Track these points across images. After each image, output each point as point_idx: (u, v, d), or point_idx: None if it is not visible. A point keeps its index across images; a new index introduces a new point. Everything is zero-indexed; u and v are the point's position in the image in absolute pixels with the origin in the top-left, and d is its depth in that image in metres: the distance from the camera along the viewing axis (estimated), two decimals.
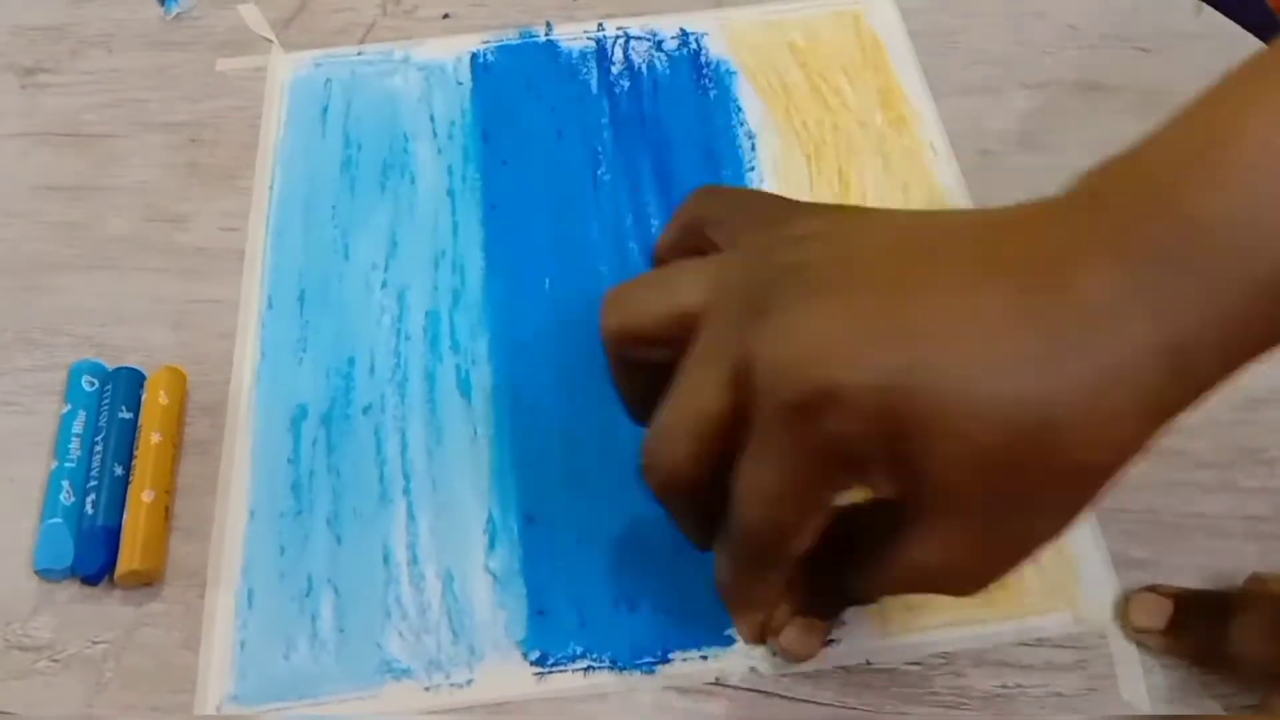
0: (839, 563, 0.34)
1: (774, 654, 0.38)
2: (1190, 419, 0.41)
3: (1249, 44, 0.53)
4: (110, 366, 0.44)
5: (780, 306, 0.29)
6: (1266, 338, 0.27)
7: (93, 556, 0.39)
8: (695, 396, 0.31)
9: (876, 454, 0.28)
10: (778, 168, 0.50)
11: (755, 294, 0.31)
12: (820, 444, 0.28)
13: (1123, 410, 0.26)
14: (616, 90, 0.52)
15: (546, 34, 0.55)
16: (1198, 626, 0.37)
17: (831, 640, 0.38)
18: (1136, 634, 0.38)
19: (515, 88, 0.53)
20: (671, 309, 0.33)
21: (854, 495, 0.31)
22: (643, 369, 0.35)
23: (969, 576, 0.31)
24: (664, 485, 0.33)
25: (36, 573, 0.40)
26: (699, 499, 0.33)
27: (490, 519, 0.41)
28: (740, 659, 0.38)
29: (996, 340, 0.27)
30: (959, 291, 0.28)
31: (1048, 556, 0.38)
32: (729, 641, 0.38)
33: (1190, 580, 0.39)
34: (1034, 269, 0.27)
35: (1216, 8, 0.54)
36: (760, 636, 0.37)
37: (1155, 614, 0.37)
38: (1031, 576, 0.39)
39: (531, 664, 0.38)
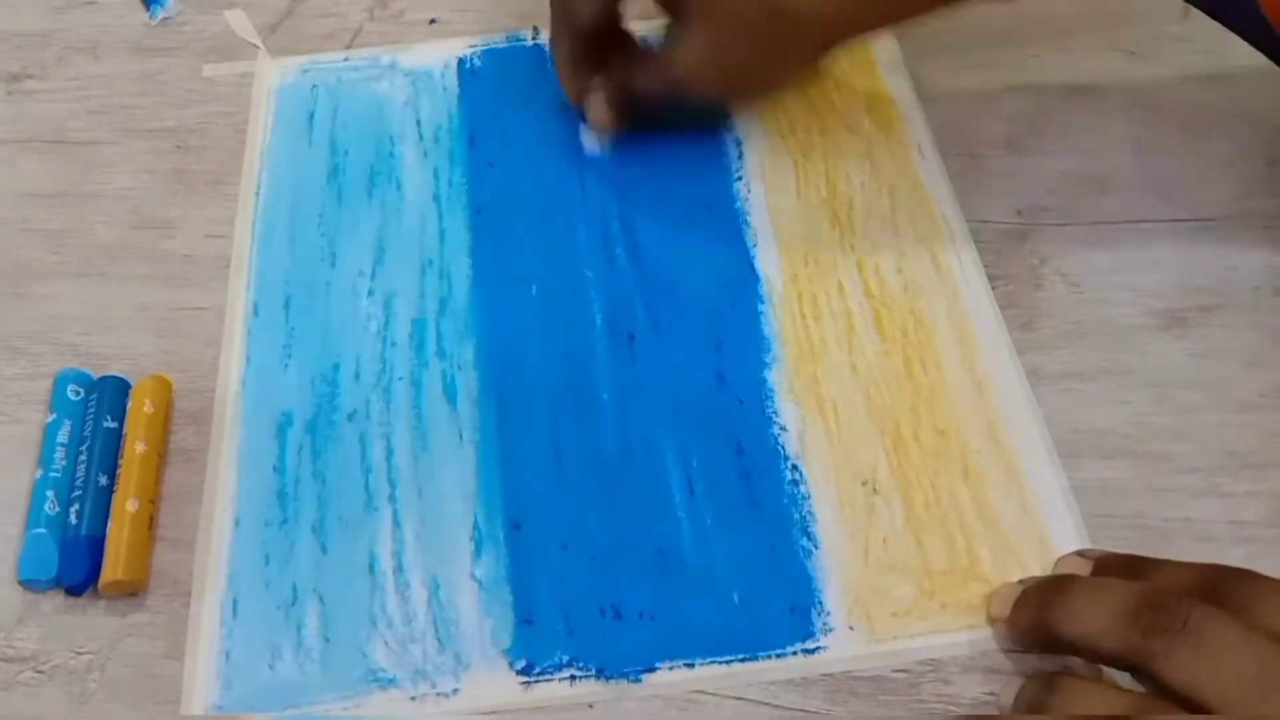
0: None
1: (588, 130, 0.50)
2: (1176, 424, 0.42)
3: (1235, 46, 0.53)
4: (95, 375, 0.44)
5: None
6: None
7: (77, 567, 0.39)
8: None
9: None
10: (765, 172, 0.49)
11: None
12: None
13: None
14: None
15: (533, 39, 0.54)
16: (1029, 607, 0.36)
17: (819, 647, 0.38)
18: (990, 624, 0.38)
19: (502, 92, 0.52)
20: None
21: None
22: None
23: (703, 77, 0.46)
24: None
25: (20, 583, 0.40)
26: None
27: (476, 526, 0.41)
28: (726, 668, 0.38)
29: None
30: None
31: (1036, 562, 0.39)
32: (716, 651, 0.38)
33: None
34: None
35: (1205, 12, 0.54)
36: (579, 98, 0.49)
37: (1004, 602, 0.37)
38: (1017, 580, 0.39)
39: (518, 673, 0.38)
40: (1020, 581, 0.38)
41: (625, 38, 0.49)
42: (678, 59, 0.45)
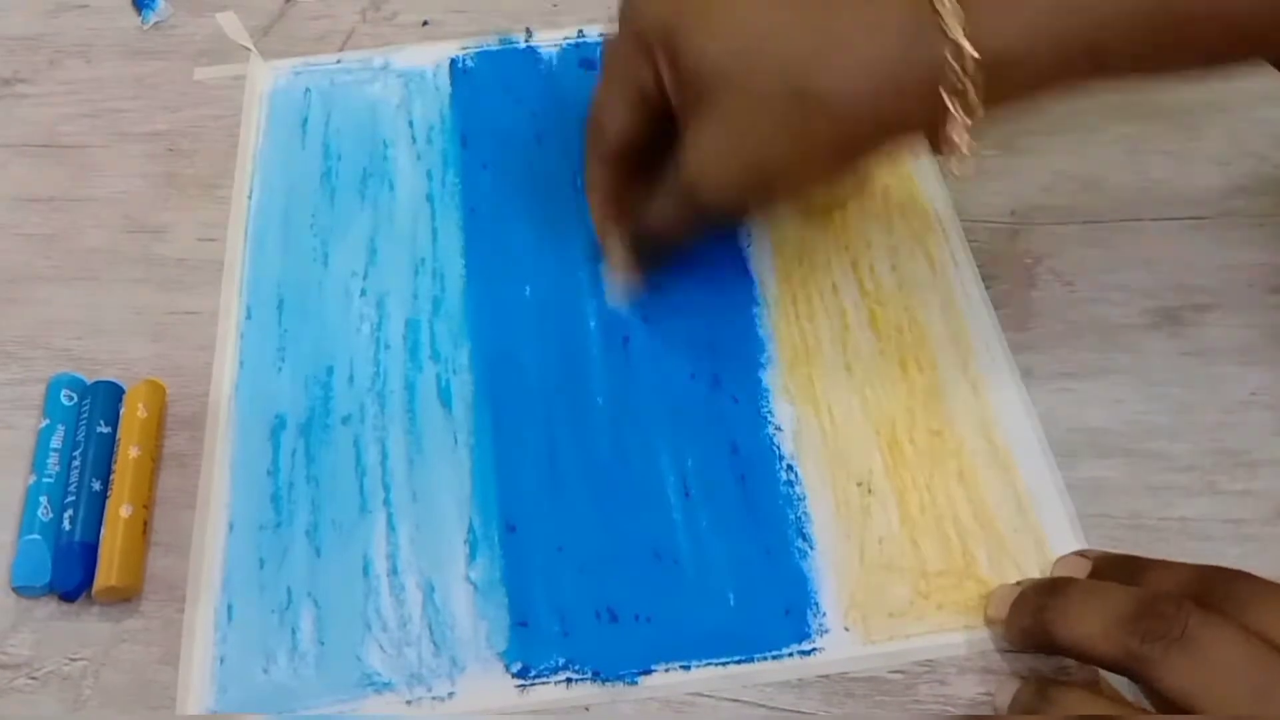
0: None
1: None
2: (1171, 422, 0.42)
3: None
4: (89, 380, 0.44)
5: None
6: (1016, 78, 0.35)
7: (70, 573, 0.39)
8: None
9: (655, 49, 0.38)
10: None
11: None
12: (623, 40, 0.40)
13: (858, 73, 0.35)
14: None
15: (526, 40, 0.54)
16: (1026, 610, 0.36)
17: (815, 649, 0.38)
18: (989, 625, 0.38)
19: (495, 93, 0.52)
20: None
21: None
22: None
23: (716, 178, 0.39)
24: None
25: (14, 589, 0.40)
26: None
27: (471, 529, 0.41)
28: (722, 669, 0.38)
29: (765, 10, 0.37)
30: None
31: (1032, 562, 0.39)
32: (712, 653, 0.38)
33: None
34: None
35: None
36: (611, 235, 0.45)
37: (1001, 603, 0.37)
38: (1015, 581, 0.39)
39: (513, 676, 0.38)
40: (1018, 583, 0.38)
41: (665, 165, 0.41)
42: (686, 160, 0.39)
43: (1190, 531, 0.40)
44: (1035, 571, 0.39)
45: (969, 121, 0.35)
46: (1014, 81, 0.35)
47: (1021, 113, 0.37)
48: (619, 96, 0.41)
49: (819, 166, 0.39)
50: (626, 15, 0.41)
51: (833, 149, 0.37)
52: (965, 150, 0.36)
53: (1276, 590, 0.33)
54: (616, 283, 0.45)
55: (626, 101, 0.41)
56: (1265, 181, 0.48)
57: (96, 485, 0.41)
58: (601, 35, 0.44)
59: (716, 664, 0.38)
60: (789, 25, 0.36)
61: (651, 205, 0.42)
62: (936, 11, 0.34)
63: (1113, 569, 0.37)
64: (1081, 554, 0.38)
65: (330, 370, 0.44)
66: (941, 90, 0.35)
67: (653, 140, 0.41)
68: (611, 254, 0.45)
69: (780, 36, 0.36)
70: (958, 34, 0.34)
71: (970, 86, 0.34)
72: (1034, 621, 0.35)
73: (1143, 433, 0.42)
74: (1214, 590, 0.33)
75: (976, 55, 0.34)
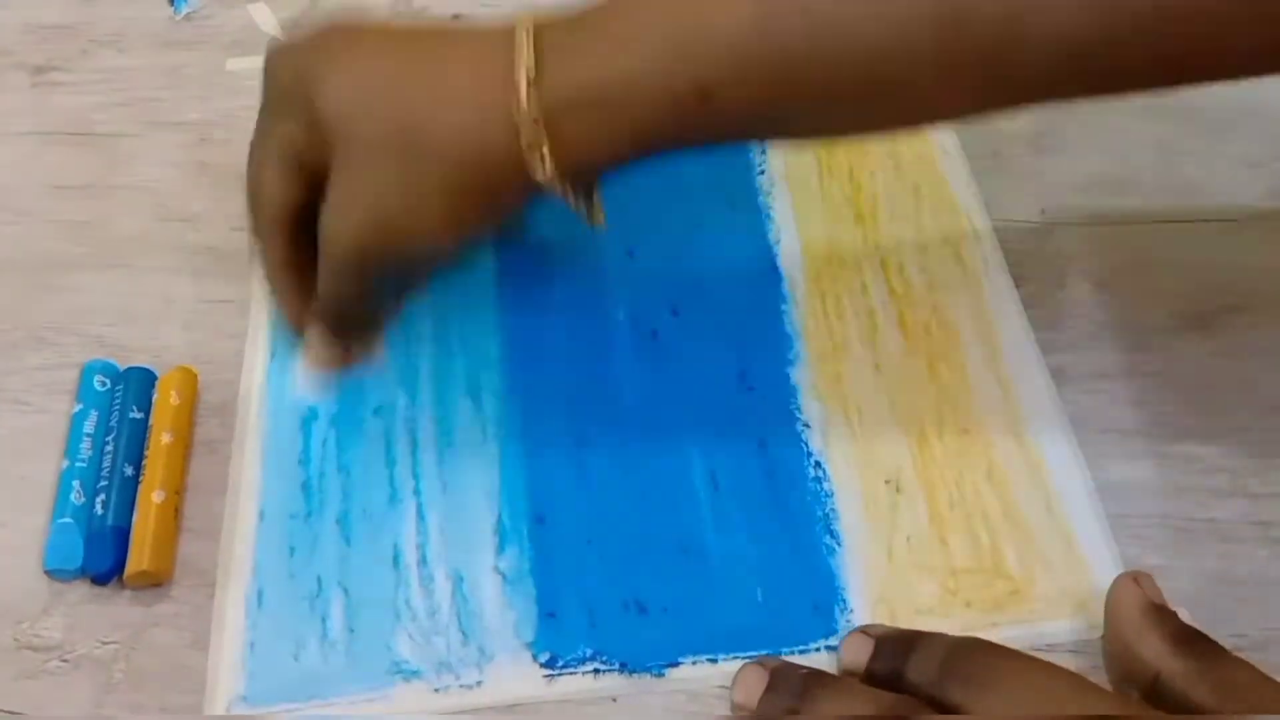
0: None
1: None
2: (1201, 425, 0.41)
3: None
4: (121, 366, 0.44)
5: None
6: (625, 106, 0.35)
7: (102, 557, 0.39)
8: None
9: (294, 103, 0.38)
10: (788, 169, 0.49)
11: None
12: (266, 98, 0.40)
13: (463, 109, 0.36)
14: None
15: None
16: (778, 708, 0.36)
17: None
18: (734, 711, 0.37)
19: None
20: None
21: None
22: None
23: (342, 218, 0.38)
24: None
25: (46, 572, 0.40)
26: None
27: (500, 520, 0.41)
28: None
29: (383, 55, 0.37)
30: (386, 41, 0.38)
31: (1060, 561, 0.39)
32: (739, 647, 0.38)
33: (1200, 585, 0.38)
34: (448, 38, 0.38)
35: None
36: (297, 318, 0.42)
37: (750, 689, 0.36)
38: (1042, 582, 0.39)
39: (541, 665, 0.38)
40: (761, 663, 0.37)
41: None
42: (321, 218, 0.38)
43: (1220, 533, 0.40)
44: (1064, 571, 0.39)
45: (551, 175, 0.36)
46: (606, 127, 0.35)
47: (646, 163, 0.37)
48: (273, 161, 0.40)
49: (436, 216, 0.37)
50: (267, 75, 0.40)
51: (444, 198, 0.37)
52: (572, 203, 0.37)
53: (1020, 664, 0.34)
54: (309, 367, 0.43)
55: (281, 165, 0.39)
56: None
57: (129, 470, 0.41)
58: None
59: (744, 658, 0.38)
60: (403, 77, 0.37)
61: (318, 277, 0.40)
62: (513, 64, 0.35)
63: (890, 646, 0.36)
64: (866, 631, 0.37)
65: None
66: (522, 144, 0.35)
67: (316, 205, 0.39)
68: (309, 349, 0.43)
69: (395, 88, 0.36)
70: (520, 92, 0.35)
71: (544, 139, 0.35)
72: (892, 675, 0.35)
73: (1173, 434, 0.42)
74: (959, 664, 0.34)
75: (526, 108, 0.35)
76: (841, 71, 0.34)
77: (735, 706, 0.37)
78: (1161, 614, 0.36)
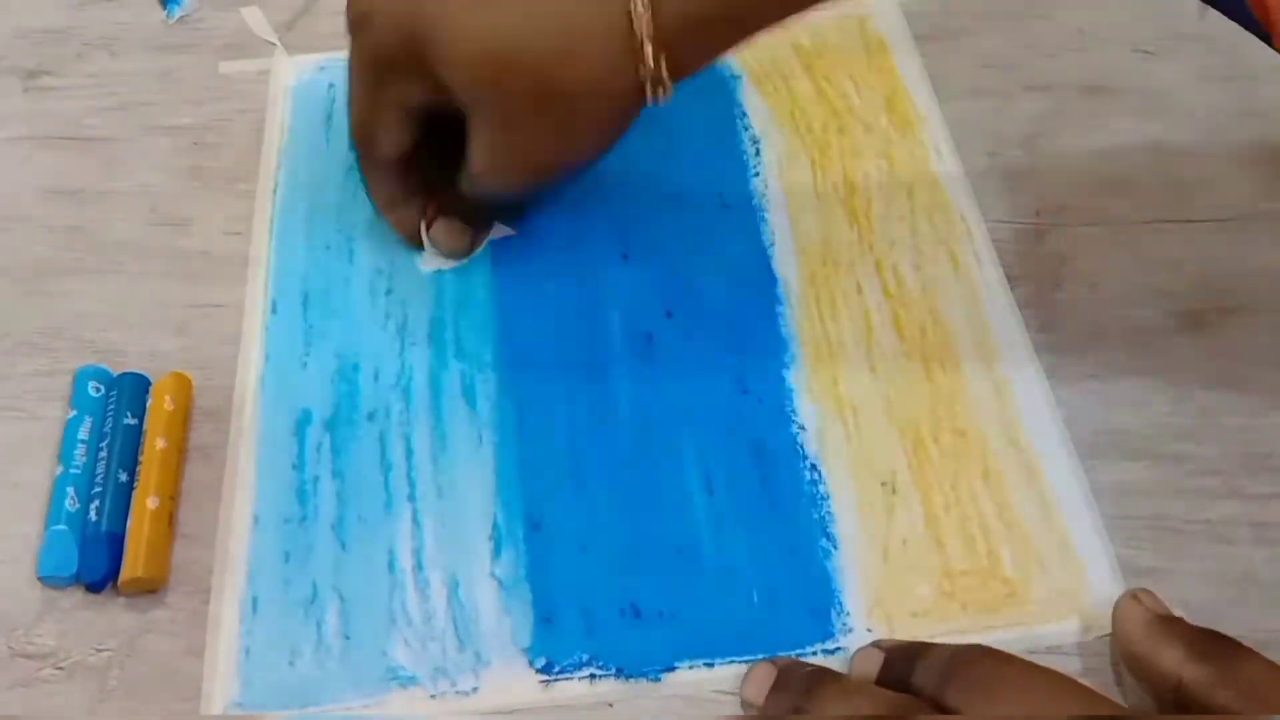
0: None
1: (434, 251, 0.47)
2: (1197, 425, 0.41)
3: (1253, 45, 0.53)
4: (114, 371, 0.44)
5: None
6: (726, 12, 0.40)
7: (96, 563, 0.39)
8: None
9: (409, 62, 0.40)
10: (782, 170, 0.49)
11: None
12: (370, 54, 0.42)
13: (582, 45, 0.39)
14: None
15: None
16: (784, 705, 0.36)
17: (839, 648, 0.38)
18: (743, 708, 0.37)
19: None
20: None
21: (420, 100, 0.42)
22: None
23: (494, 166, 0.42)
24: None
25: (40, 579, 0.40)
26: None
27: (495, 525, 0.41)
28: (745, 668, 0.38)
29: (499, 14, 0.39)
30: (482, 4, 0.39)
31: (1056, 562, 0.39)
32: (735, 651, 0.38)
33: (1195, 586, 0.38)
34: None
35: (1223, 11, 0.54)
36: (415, 235, 0.47)
37: (758, 687, 0.36)
38: (1038, 584, 0.39)
39: (537, 671, 0.38)
40: (772, 660, 0.37)
41: (439, 153, 0.45)
42: (472, 164, 0.43)
43: (1215, 534, 0.40)
44: (1056, 572, 0.39)
45: (667, 96, 0.40)
46: (718, 41, 0.41)
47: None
48: (391, 115, 0.43)
49: (580, 151, 0.43)
50: (363, 29, 0.42)
51: (585, 136, 0.42)
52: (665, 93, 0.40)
53: (1019, 669, 0.34)
54: (440, 255, 0.47)
55: (399, 118, 0.43)
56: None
57: (123, 476, 0.41)
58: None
59: (740, 662, 0.38)
60: (526, 31, 0.39)
61: (453, 196, 0.45)
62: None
63: (897, 656, 0.36)
64: (877, 644, 0.37)
65: (356, 366, 0.44)
66: (642, 76, 0.39)
67: (423, 136, 0.44)
68: (443, 238, 0.46)
69: (522, 46, 0.39)
70: (641, 29, 0.38)
71: (664, 70, 0.39)
72: (899, 681, 0.35)
73: (1169, 435, 0.42)
74: (960, 670, 0.34)
75: (646, 46, 0.38)
76: None
77: (744, 704, 0.37)
78: (1170, 623, 0.36)
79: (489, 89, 0.40)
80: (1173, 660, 0.34)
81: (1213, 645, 0.34)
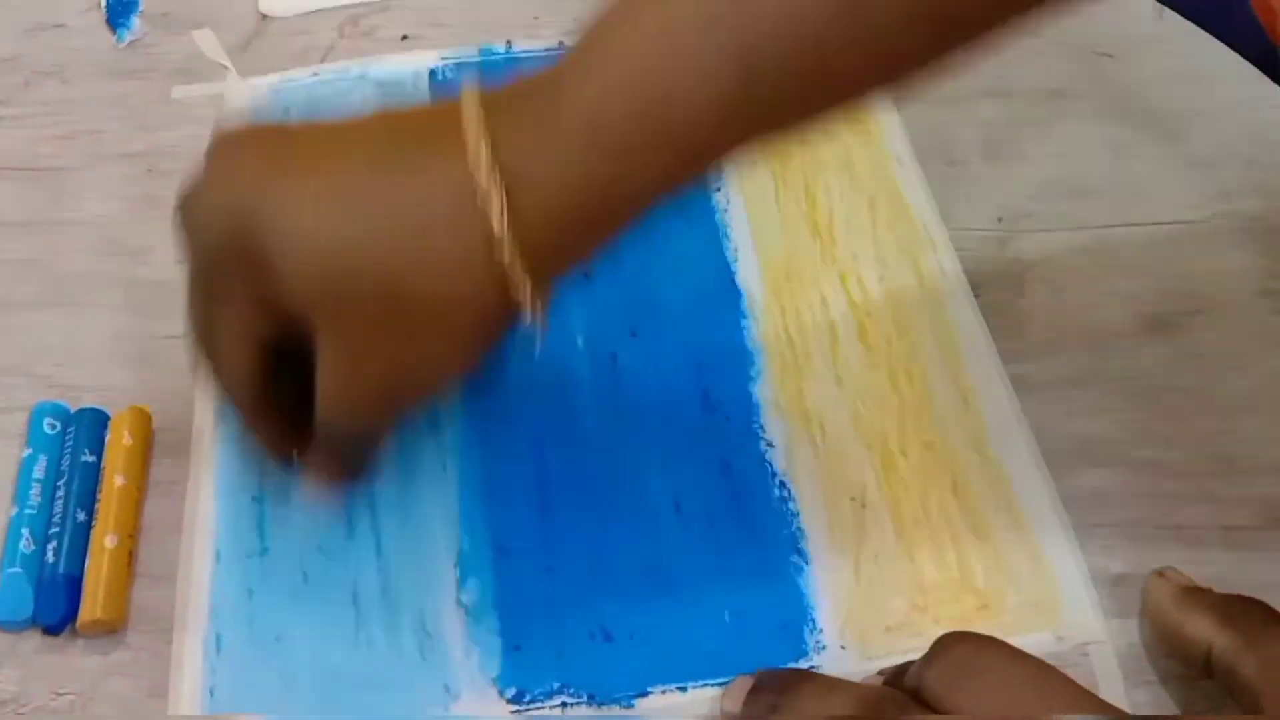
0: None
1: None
2: (1164, 429, 0.41)
3: (1210, 46, 0.53)
4: (71, 407, 0.43)
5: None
6: (594, 195, 0.33)
7: (54, 606, 0.38)
8: None
9: (242, 274, 0.34)
10: (744, 186, 0.49)
11: None
12: (198, 263, 0.36)
13: (444, 260, 0.33)
14: None
15: (506, 51, 0.54)
16: (761, 705, 0.35)
17: (812, 666, 0.38)
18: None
19: None
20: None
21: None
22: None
23: (344, 400, 0.36)
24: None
25: None
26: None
27: (461, 552, 0.40)
28: (718, 690, 0.37)
29: (335, 199, 0.33)
30: (324, 163, 0.34)
31: (1028, 572, 0.39)
32: (708, 673, 0.37)
33: None
34: (393, 153, 0.33)
35: (1190, 19, 0.54)
36: (287, 459, 0.40)
37: (735, 696, 0.36)
38: (1011, 595, 0.39)
39: (508, 701, 0.37)
40: (752, 675, 0.36)
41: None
42: (319, 400, 0.35)
43: (1186, 539, 0.40)
44: (1030, 582, 0.39)
45: (538, 305, 0.34)
46: (587, 242, 0.34)
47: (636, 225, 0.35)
48: (233, 342, 0.36)
49: (440, 373, 0.37)
50: (194, 236, 0.35)
51: (446, 355, 0.35)
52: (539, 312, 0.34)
53: (1002, 656, 0.33)
54: (314, 494, 0.40)
55: (242, 344, 0.36)
56: (1252, 184, 0.48)
57: (81, 516, 0.40)
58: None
59: (713, 684, 0.37)
60: (371, 238, 0.33)
61: (313, 446, 0.38)
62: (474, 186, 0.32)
63: (890, 675, 0.36)
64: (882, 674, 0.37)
65: None
66: (511, 290, 0.33)
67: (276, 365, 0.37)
68: (288, 465, 0.40)
69: (368, 254, 0.33)
70: (500, 244, 0.32)
71: (527, 282, 0.33)
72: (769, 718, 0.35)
73: (1136, 440, 0.42)
74: (940, 655, 0.33)
75: (508, 260, 0.32)
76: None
77: (724, 715, 0.37)
78: (1199, 593, 0.36)
79: (330, 303, 0.33)
80: (1203, 628, 0.35)
81: (1244, 612, 0.35)
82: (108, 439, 0.42)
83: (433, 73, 0.53)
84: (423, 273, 0.33)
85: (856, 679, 0.37)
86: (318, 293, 0.33)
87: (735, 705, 0.36)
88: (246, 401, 0.38)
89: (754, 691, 0.36)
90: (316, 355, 0.35)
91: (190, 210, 0.36)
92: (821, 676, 0.36)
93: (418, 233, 0.33)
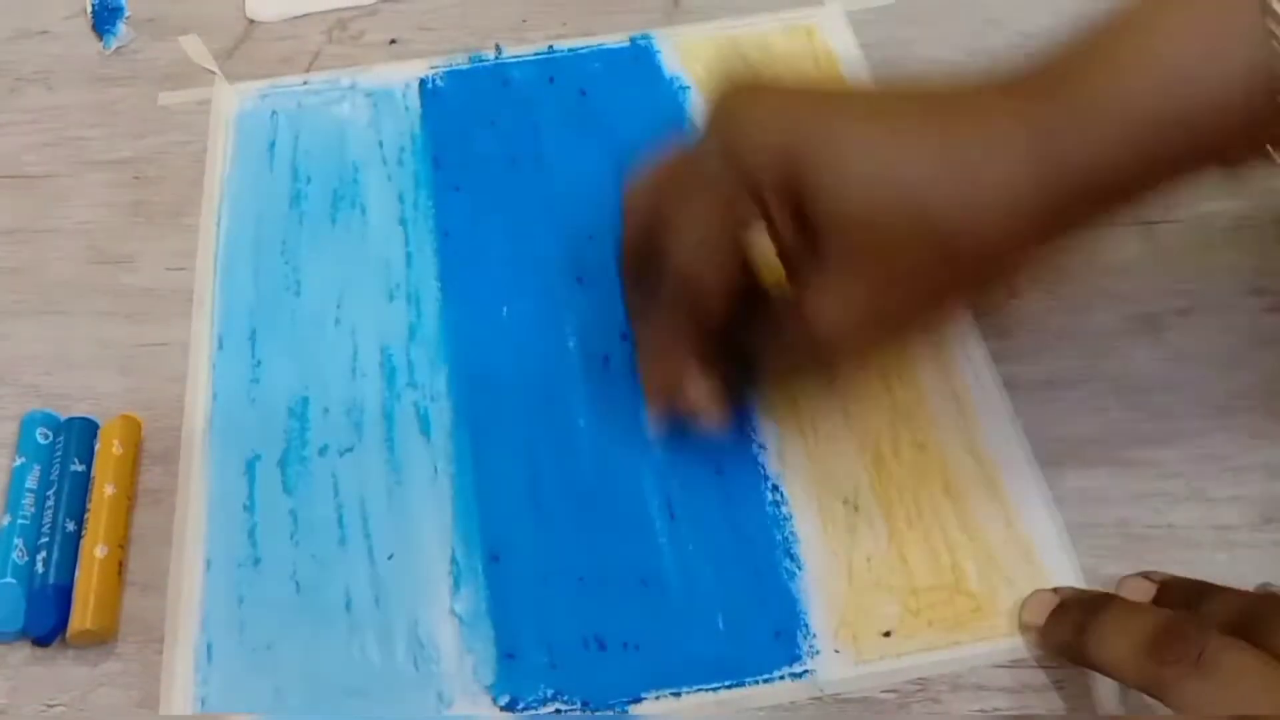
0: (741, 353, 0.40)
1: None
2: (1156, 429, 0.41)
3: None
4: (60, 415, 0.43)
5: None
6: (1127, 181, 0.34)
7: (44, 617, 0.38)
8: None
9: (777, 185, 0.35)
10: None
11: None
12: (736, 173, 0.35)
13: (990, 205, 0.33)
14: (568, 111, 0.52)
15: (496, 57, 0.54)
16: (1066, 624, 0.36)
17: (806, 671, 0.37)
18: (1022, 631, 0.38)
19: (465, 112, 0.52)
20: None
21: (761, 242, 0.37)
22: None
23: (846, 336, 0.36)
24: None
25: None
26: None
27: (454, 559, 0.40)
28: (713, 696, 0.37)
29: (896, 133, 0.34)
30: (879, 108, 0.35)
31: (1021, 574, 0.39)
32: (702, 679, 0.37)
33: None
34: (943, 107, 0.35)
35: None
36: (668, 393, 0.40)
37: (1038, 610, 0.37)
38: (1004, 597, 0.38)
39: (501, 709, 0.37)
40: (1055, 590, 0.38)
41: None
42: (820, 315, 0.35)
43: (1178, 539, 0.40)
44: (1025, 585, 0.39)
45: None
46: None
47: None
48: (725, 250, 0.37)
49: (955, 306, 0.39)
50: (732, 152, 0.36)
51: (970, 288, 0.37)
52: None
53: None
54: (708, 417, 0.40)
55: (733, 255, 0.37)
56: (1242, 184, 0.48)
57: (70, 526, 0.40)
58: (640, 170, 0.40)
59: (707, 690, 0.37)
60: (919, 162, 0.34)
61: (765, 352, 0.40)
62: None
63: (1177, 592, 0.36)
64: (1148, 576, 0.37)
65: (305, 401, 0.43)
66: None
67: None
68: (702, 402, 0.40)
69: (913, 175, 0.33)
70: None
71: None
72: (1074, 639, 0.35)
73: (1128, 440, 0.42)
74: (1260, 617, 0.33)
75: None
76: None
77: (1022, 626, 0.38)
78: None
79: (866, 228, 0.34)
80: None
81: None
82: (97, 448, 0.42)
83: (423, 82, 0.53)
84: (973, 229, 0.33)
85: (851, 684, 0.37)
86: (858, 213, 0.34)
87: (1036, 618, 0.37)
88: (716, 314, 0.38)
89: (1060, 609, 0.37)
90: (820, 283, 0.35)
91: (731, 141, 0.36)
92: (1125, 601, 0.36)
93: (977, 183, 0.33)
